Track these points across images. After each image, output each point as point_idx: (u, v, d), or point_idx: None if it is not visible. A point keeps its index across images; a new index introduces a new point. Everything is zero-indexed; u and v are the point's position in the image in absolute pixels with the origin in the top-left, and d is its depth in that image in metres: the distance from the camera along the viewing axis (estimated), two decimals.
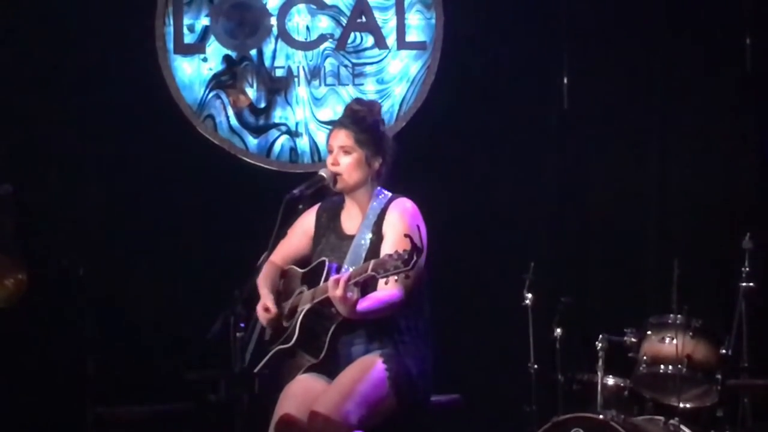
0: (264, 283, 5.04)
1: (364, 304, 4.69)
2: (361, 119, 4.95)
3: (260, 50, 7.03)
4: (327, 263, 4.83)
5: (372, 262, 4.56)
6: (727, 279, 6.02)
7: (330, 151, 4.96)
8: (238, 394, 4.70)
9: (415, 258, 4.44)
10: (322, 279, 4.79)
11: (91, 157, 6.91)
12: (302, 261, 5.08)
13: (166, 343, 6.70)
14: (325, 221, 5.05)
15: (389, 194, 4.97)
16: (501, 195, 6.99)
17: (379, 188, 4.98)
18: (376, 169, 4.96)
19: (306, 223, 5.08)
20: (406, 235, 4.48)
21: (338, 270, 4.78)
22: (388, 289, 4.71)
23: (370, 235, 4.85)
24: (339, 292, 4.61)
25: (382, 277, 4.53)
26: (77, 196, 6.88)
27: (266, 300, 4.98)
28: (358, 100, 5.20)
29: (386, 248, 4.72)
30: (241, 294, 4.66)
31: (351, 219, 4.98)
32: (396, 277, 4.53)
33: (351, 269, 4.72)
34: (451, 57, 6.99)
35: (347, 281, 4.62)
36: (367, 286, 4.74)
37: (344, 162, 4.92)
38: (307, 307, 4.83)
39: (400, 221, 4.80)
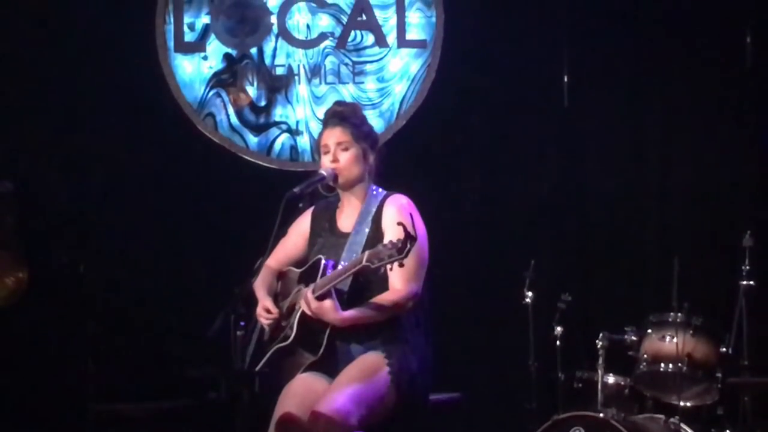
0: (261, 286, 5.04)
1: (360, 313, 4.72)
2: (350, 116, 4.97)
3: (260, 48, 7.04)
4: (323, 260, 4.84)
5: (366, 253, 4.57)
6: (727, 277, 6.02)
7: (326, 151, 4.95)
8: (238, 392, 4.70)
9: (408, 246, 4.45)
10: (318, 276, 4.79)
11: (91, 155, 6.91)
12: (299, 263, 5.07)
13: (167, 341, 6.71)
14: (321, 221, 5.05)
15: (384, 191, 4.97)
16: (501, 193, 6.99)
17: (374, 186, 4.99)
18: (372, 164, 4.97)
19: (302, 226, 5.08)
20: (398, 224, 4.49)
21: (334, 266, 4.79)
22: (395, 290, 4.73)
23: (366, 231, 4.86)
24: (313, 307, 4.68)
25: (377, 267, 4.54)
26: (78, 193, 6.88)
27: (265, 302, 4.98)
28: (339, 102, 5.26)
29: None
30: (240, 292, 4.66)
31: (347, 217, 4.98)
32: (400, 270, 4.55)
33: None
34: (452, 55, 6.99)
35: (312, 294, 4.68)
36: (370, 282, 4.76)
37: (344, 158, 4.92)
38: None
39: (397, 215, 4.80)
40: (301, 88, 7.04)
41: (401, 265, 4.53)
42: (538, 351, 6.15)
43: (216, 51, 7.03)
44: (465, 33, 6.98)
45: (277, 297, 5.04)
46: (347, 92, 7.00)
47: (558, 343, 6.02)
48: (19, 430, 6.58)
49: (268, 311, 4.95)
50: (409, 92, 7.03)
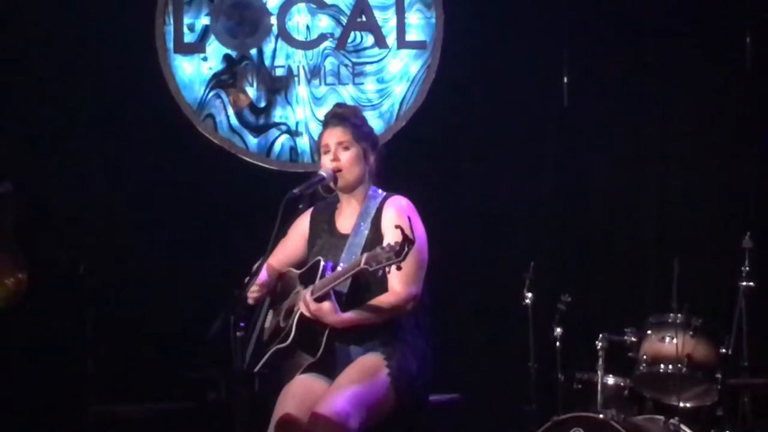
0: (262, 277, 5.04)
1: (359, 315, 4.72)
2: (350, 117, 4.98)
3: (260, 49, 7.04)
4: (322, 262, 4.84)
5: (364, 256, 4.57)
6: (727, 278, 6.02)
7: (326, 151, 4.96)
8: (238, 393, 4.70)
9: (406, 249, 4.45)
10: (318, 278, 4.79)
11: (91, 156, 6.93)
12: (299, 264, 5.07)
13: (166, 342, 6.70)
14: (320, 222, 5.05)
15: (384, 193, 4.97)
16: (501, 194, 6.98)
17: (374, 187, 4.99)
18: (372, 165, 4.97)
19: (301, 227, 5.08)
20: (396, 226, 4.49)
21: (333, 268, 4.79)
22: (394, 292, 4.73)
23: (366, 233, 4.86)
24: (312, 308, 4.66)
25: (375, 270, 4.53)
26: (77, 194, 6.89)
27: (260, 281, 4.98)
28: (340, 104, 5.28)
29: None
30: (240, 293, 4.66)
31: (346, 218, 4.98)
32: (399, 272, 4.55)
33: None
34: (451, 56, 6.99)
35: (310, 296, 4.67)
36: (369, 284, 4.76)
37: (344, 157, 4.92)
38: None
39: (396, 217, 4.80)
40: (301, 89, 7.03)
41: (399, 268, 4.53)
42: (538, 352, 6.15)
43: (216, 52, 7.03)
44: (465, 34, 6.98)
45: (277, 297, 5.04)
46: (347, 93, 7.00)
47: (558, 344, 6.01)
48: (19, 430, 6.58)
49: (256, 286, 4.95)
50: (408, 93, 7.03)
